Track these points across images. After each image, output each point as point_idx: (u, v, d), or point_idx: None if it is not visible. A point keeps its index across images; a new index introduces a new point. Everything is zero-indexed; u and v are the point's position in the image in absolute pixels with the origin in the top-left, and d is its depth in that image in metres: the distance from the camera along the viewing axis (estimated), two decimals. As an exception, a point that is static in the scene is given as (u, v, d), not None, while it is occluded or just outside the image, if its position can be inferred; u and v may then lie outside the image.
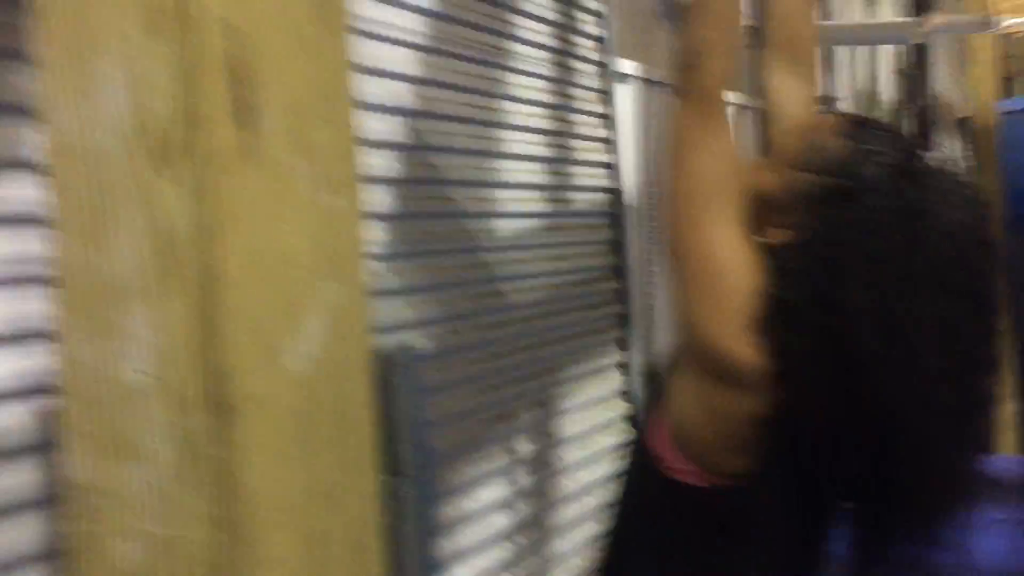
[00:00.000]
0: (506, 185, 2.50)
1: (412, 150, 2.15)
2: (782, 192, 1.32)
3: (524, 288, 2.54)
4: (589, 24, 3.00)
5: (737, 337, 1.24)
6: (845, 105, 6.30)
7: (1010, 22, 2.94)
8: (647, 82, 3.32)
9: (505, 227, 2.50)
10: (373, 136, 1.98)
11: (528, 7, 2.66)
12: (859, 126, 1.35)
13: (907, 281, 1.19)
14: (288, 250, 1.21)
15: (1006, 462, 3.13)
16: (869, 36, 3.50)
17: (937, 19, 2.44)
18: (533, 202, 2.62)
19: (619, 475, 1.54)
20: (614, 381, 2.89)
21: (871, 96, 7.02)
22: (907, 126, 7.08)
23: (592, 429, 2.76)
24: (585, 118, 2.95)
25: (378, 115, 2.03)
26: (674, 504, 1.36)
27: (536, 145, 2.67)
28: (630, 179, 3.16)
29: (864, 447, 1.25)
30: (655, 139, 3.29)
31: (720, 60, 1.33)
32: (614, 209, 3.00)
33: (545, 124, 2.72)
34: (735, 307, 1.24)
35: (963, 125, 6.82)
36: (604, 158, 3.02)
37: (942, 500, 1.30)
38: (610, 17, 3.06)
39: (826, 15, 4.66)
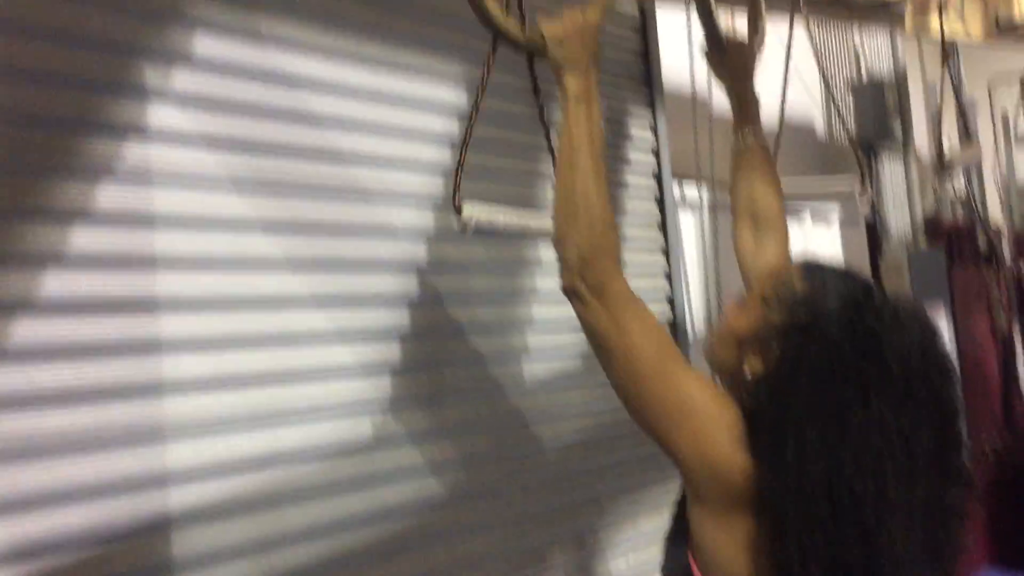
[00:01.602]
0: (541, 325, 2.56)
1: (449, 302, 2.28)
2: (756, 329, 1.47)
3: (565, 427, 2.57)
4: (643, 157, 3.06)
5: (739, 447, 1.38)
6: None
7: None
8: (710, 206, 3.34)
9: (544, 367, 2.56)
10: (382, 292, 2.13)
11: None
12: (818, 267, 1.52)
13: (868, 395, 1.32)
14: None
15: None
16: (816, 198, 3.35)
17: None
18: (571, 339, 2.66)
19: None
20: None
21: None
22: None
23: (647, 566, 2.72)
24: (641, 248, 2.99)
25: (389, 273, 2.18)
26: None
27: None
28: (690, 307, 3.16)
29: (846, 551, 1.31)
30: (720, 259, 3.29)
31: (609, 256, 1.51)
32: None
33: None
34: (729, 427, 1.39)
35: None
36: (662, 286, 3.04)
37: None
38: (662, 148, 3.11)
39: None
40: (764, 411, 1.38)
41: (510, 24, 1.62)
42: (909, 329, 1.37)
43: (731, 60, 2.02)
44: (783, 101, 2.42)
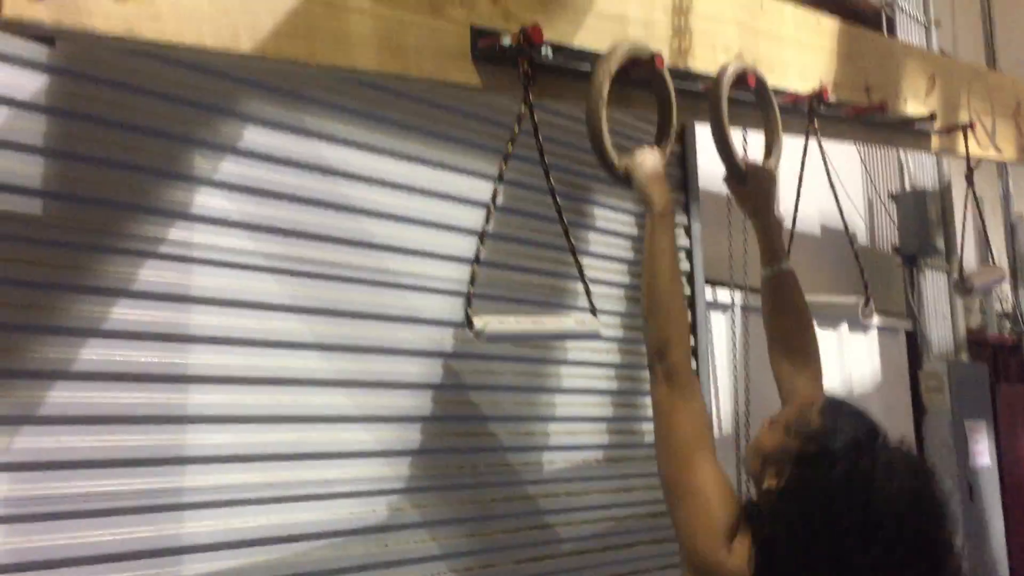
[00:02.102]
0: (564, 419, 2.60)
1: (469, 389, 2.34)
2: (776, 450, 1.67)
3: (582, 523, 2.59)
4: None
5: (722, 546, 1.59)
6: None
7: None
8: (742, 309, 3.38)
9: (564, 461, 2.59)
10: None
11: (610, 251, 2.84)
12: (836, 406, 1.72)
13: (856, 532, 1.49)
14: None
15: None
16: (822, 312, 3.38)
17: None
18: (594, 435, 2.69)
19: None
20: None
21: None
22: None
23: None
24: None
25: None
26: None
27: (605, 380, 2.77)
28: (718, 407, 3.18)
29: None
30: (749, 361, 3.31)
31: (680, 348, 1.79)
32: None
33: (619, 359, 2.82)
34: (720, 525, 1.61)
35: None
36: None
37: None
38: (696, 251, 3.17)
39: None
40: (766, 522, 1.58)
41: (615, 158, 1.88)
42: (902, 475, 1.54)
43: (752, 188, 2.16)
44: (795, 211, 2.47)
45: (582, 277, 2.04)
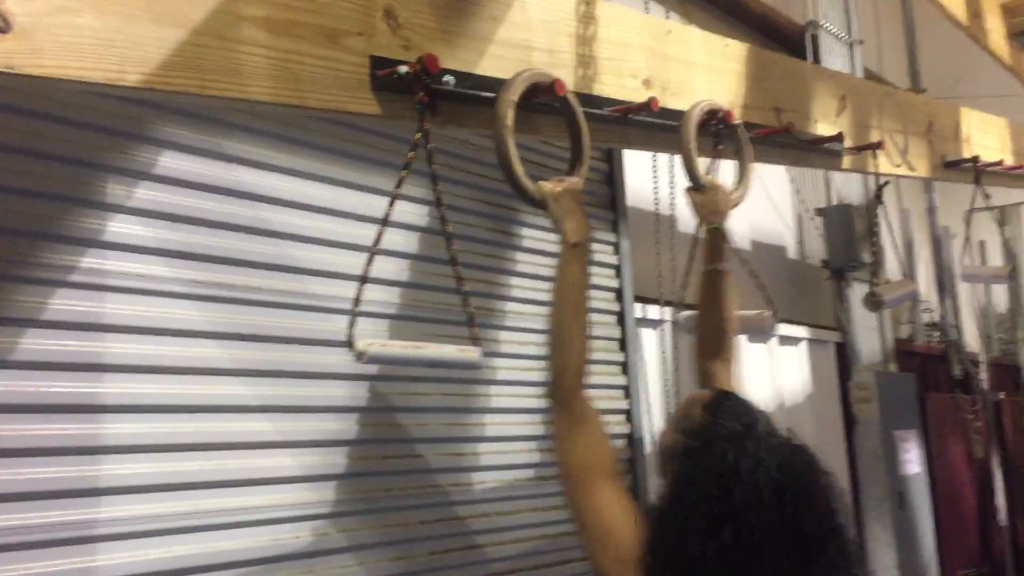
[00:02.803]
0: (492, 439, 2.61)
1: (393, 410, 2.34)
2: (668, 448, 1.75)
3: (512, 541, 2.60)
4: (605, 277, 3.15)
5: (627, 567, 1.60)
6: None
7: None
8: (670, 324, 3.42)
9: (493, 480, 2.60)
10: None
11: (536, 270, 2.86)
12: (719, 401, 1.76)
13: (716, 520, 1.50)
14: None
15: None
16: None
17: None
18: (522, 454, 2.71)
19: None
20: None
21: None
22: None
23: None
24: (600, 367, 3.05)
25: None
26: None
27: (533, 399, 2.79)
28: (648, 423, 3.21)
29: None
30: (679, 376, 3.36)
31: (572, 379, 1.82)
32: (628, 455, 3.03)
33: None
34: (622, 545, 1.63)
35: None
36: (620, 405, 3.09)
37: None
38: (625, 268, 3.21)
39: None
40: (652, 520, 1.60)
41: (529, 185, 1.90)
42: (769, 466, 1.53)
43: (708, 199, 2.34)
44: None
45: (465, 304, 1.96)
